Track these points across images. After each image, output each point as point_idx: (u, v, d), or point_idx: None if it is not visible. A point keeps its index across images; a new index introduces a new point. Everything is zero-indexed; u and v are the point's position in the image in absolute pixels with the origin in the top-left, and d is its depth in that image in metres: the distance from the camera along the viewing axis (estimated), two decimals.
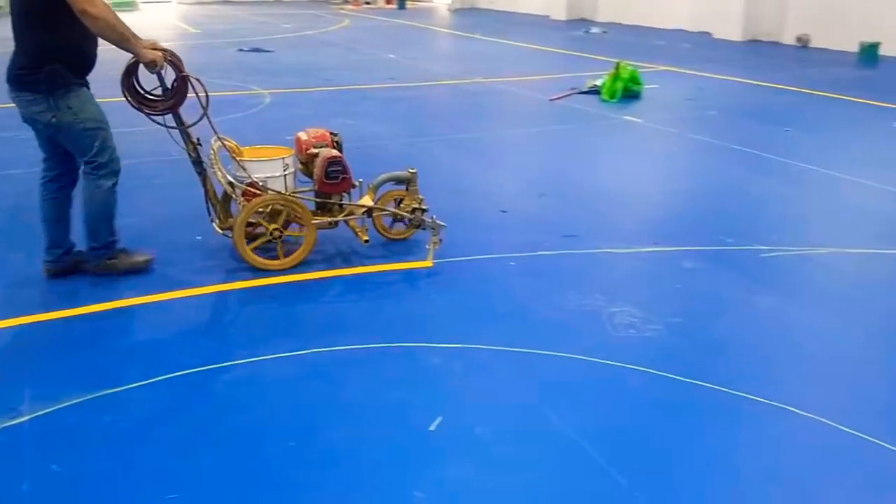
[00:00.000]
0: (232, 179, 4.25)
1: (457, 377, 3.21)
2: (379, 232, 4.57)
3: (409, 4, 24.09)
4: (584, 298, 3.92)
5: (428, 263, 4.29)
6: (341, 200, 4.41)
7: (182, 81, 4.00)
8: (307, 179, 4.55)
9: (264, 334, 3.57)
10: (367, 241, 4.33)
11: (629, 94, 9.15)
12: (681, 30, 16.51)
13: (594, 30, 17.15)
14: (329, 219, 4.34)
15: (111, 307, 3.81)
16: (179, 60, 4.02)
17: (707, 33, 15.77)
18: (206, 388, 3.14)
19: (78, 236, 4.16)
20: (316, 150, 4.36)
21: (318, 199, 4.34)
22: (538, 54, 13.65)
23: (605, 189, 5.78)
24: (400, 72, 11.14)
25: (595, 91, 9.32)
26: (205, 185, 4.25)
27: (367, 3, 24.87)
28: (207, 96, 4.01)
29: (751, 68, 11.60)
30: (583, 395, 3.08)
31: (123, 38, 3.71)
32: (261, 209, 4.14)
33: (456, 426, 2.85)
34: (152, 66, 3.85)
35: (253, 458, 2.68)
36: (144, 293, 3.92)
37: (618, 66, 9.20)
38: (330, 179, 4.25)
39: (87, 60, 3.87)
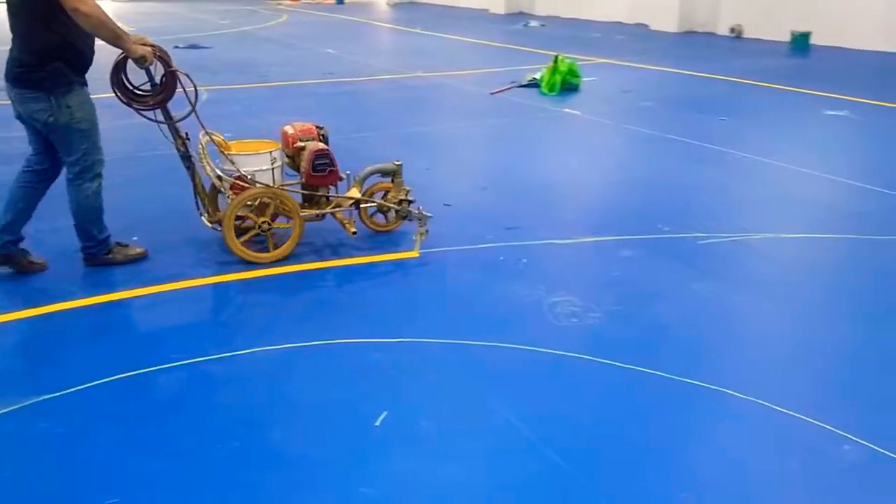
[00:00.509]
0: (220, 173, 4.28)
1: (401, 371, 3.21)
2: (365, 224, 4.61)
3: None
4: (527, 289, 3.96)
5: (415, 254, 4.36)
6: (328, 193, 4.45)
7: (171, 77, 4.05)
8: (293, 173, 4.57)
9: (211, 332, 3.52)
10: (354, 232, 4.41)
11: (568, 86, 9.25)
12: (618, 22, 16.77)
13: (533, 23, 17.28)
14: (317, 211, 4.39)
15: (62, 307, 3.72)
16: (168, 56, 4.06)
17: (644, 25, 16.05)
18: (147, 390, 3.07)
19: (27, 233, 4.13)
20: (303, 144, 4.43)
21: (305, 192, 4.38)
22: (478, 48, 13.70)
23: (546, 181, 5.83)
24: (339, 67, 11.05)
25: (535, 84, 9.40)
26: (193, 180, 4.29)
27: None
28: (196, 91, 4.07)
29: (686, 59, 11.85)
30: (527, 385, 3.11)
31: (115, 35, 3.78)
32: (249, 202, 4.18)
33: (401, 420, 2.85)
34: (142, 62, 3.91)
35: (196, 459, 2.64)
36: (97, 293, 3.85)
37: (556, 60, 9.30)
38: (317, 172, 4.31)
39: (85, 58, 3.93)
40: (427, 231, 4.44)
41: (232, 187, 4.24)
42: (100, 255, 4.18)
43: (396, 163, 4.57)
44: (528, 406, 2.95)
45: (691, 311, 3.76)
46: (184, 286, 3.98)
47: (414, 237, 4.45)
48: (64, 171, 4.06)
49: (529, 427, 2.80)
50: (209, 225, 4.37)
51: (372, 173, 4.56)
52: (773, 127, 7.64)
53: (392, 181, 4.59)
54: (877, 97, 8.75)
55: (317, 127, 4.61)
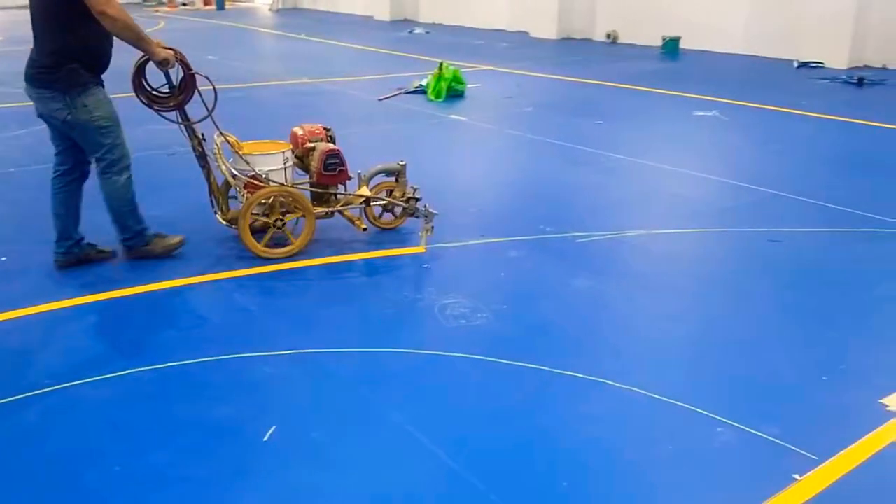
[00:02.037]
0: (236, 172, 4.37)
1: (290, 384, 3.17)
2: (370, 221, 4.74)
3: (228, 5, 23.38)
4: (418, 293, 4.01)
5: (421, 249, 4.49)
6: (337, 191, 4.62)
7: (190, 79, 4.18)
8: (300, 172, 4.74)
9: (91, 354, 3.37)
10: (365, 228, 4.58)
11: (453, 93, 9.39)
12: (500, 30, 17.13)
13: (418, 30, 17.44)
14: (327, 209, 4.53)
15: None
16: (187, 59, 4.16)
17: (524, 32, 16.46)
18: (17, 416, 2.91)
19: (86, 228, 4.26)
20: (312, 144, 4.62)
21: (316, 190, 4.53)
22: (364, 54, 13.70)
23: (434, 186, 5.87)
24: (221, 73, 10.71)
25: (421, 91, 9.49)
26: (208, 179, 4.44)
27: (185, 5, 23.88)
28: (216, 92, 4.23)
29: (565, 65, 12.24)
30: (418, 388, 3.14)
31: (139, 38, 3.91)
32: (263, 200, 4.29)
33: (291, 433, 2.82)
34: (165, 64, 4.05)
35: (74, 487, 2.53)
36: None
37: (441, 66, 9.42)
38: (328, 171, 4.50)
39: (103, 60, 4.03)
40: (433, 227, 4.55)
41: (246, 186, 4.36)
42: (138, 247, 4.27)
43: (401, 162, 4.74)
44: (419, 409, 2.98)
45: (572, 307, 3.90)
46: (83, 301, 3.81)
47: (420, 233, 4.57)
48: (93, 167, 4.16)
49: (421, 430, 2.83)
50: (223, 223, 4.50)
51: (377, 173, 4.73)
52: (646, 128, 8.01)
53: (396, 180, 4.75)
54: (741, 98, 9.32)
55: (324, 128, 4.81)
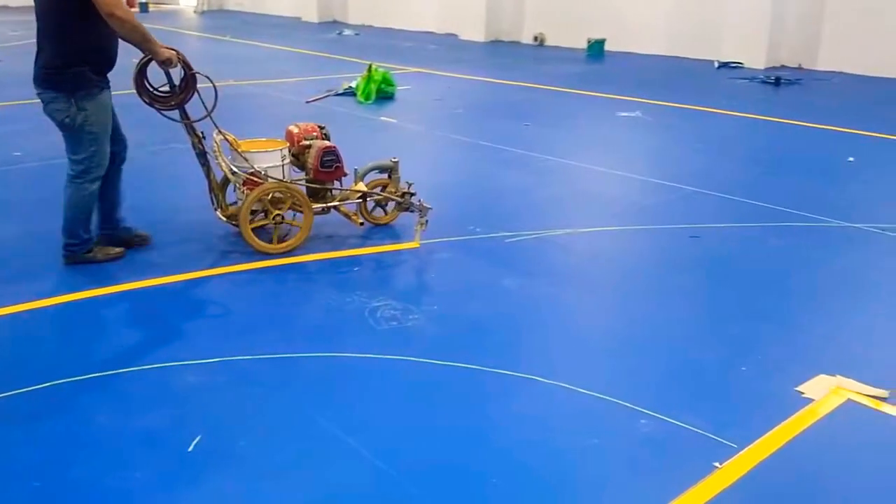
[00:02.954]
0: (236, 169, 4.44)
1: (216, 392, 3.12)
2: (364, 217, 4.83)
3: (152, 7, 22.82)
4: (347, 297, 3.98)
5: (416, 244, 4.58)
6: (332, 188, 4.71)
7: (191, 79, 4.26)
8: (296, 170, 4.82)
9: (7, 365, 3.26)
10: (361, 223, 4.74)
11: (383, 95, 9.38)
12: (429, 32, 17.19)
13: (347, 32, 17.36)
14: (323, 205, 4.62)
15: None
16: (187, 59, 4.23)
17: (453, 35, 16.56)
18: None
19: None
20: (308, 142, 4.71)
21: (313, 186, 4.63)
22: (292, 56, 13.56)
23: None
24: None
25: (350, 93, 9.45)
26: (208, 177, 4.53)
27: None
28: (216, 92, 4.33)
29: (493, 67, 12.36)
30: (349, 393, 3.13)
31: (145, 39, 3.98)
32: (263, 197, 4.36)
33: (217, 442, 2.77)
34: (168, 64, 4.11)
35: None
36: None
37: (370, 69, 9.40)
38: (325, 168, 4.58)
39: (110, 61, 4.11)
40: (427, 222, 4.62)
41: (245, 183, 4.42)
42: (80, 254, 4.27)
43: (394, 160, 4.87)
44: (349, 414, 2.96)
45: (502, 306, 3.95)
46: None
47: (415, 227, 4.65)
48: (67, 167, 4.16)
49: (351, 434, 2.82)
50: (223, 219, 4.56)
51: (371, 170, 4.86)
52: (572, 130, 8.16)
53: (389, 177, 4.87)
54: (663, 98, 9.58)
55: (319, 127, 4.89)
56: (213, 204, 4.62)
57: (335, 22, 19.31)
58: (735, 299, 4.04)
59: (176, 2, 24.77)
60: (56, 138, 4.23)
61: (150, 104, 4.31)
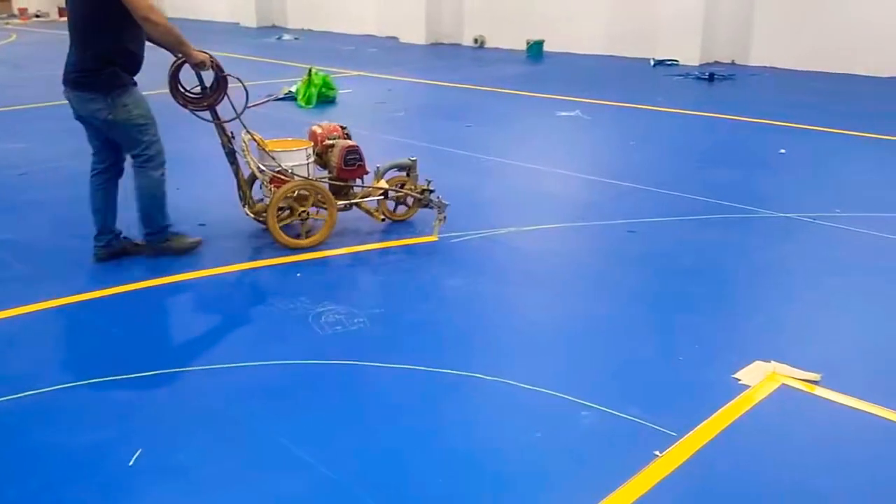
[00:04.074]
0: (263, 167, 4.61)
1: (156, 405, 3.06)
2: (385, 214, 5.00)
3: None
4: (290, 303, 3.95)
5: (434, 238, 4.73)
6: (354, 185, 4.87)
7: (223, 81, 4.44)
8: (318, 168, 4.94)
9: None
10: (383, 219, 4.93)
11: (324, 99, 9.33)
12: (370, 35, 17.16)
13: (286, 37, 17.21)
14: (346, 202, 4.76)
15: None
16: (219, 62, 4.39)
17: (394, 38, 16.55)
18: None
19: (124, 224, 4.44)
20: (331, 142, 4.86)
21: (337, 184, 4.78)
22: (230, 62, 13.22)
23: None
24: None
25: (291, 97, 9.37)
26: (236, 175, 4.67)
27: (38, 17, 22.58)
28: (247, 93, 4.47)
29: (434, 69, 12.40)
30: (291, 400, 3.10)
31: (179, 42, 4.14)
32: (289, 194, 4.48)
33: (158, 456, 2.72)
34: (201, 67, 4.26)
35: None
36: None
37: (310, 73, 9.34)
38: (348, 166, 4.74)
39: (138, 62, 4.21)
40: (445, 217, 4.77)
41: (272, 180, 4.57)
42: (160, 242, 4.42)
43: (412, 158, 5.04)
44: (293, 422, 2.94)
45: (447, 306, 3.96)
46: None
47: (433, 223, 4.77)
48: (131, 161, 4.30)
49: (296, 442, 2.79)
50: (250, 215, 4.73)
51: (391, 167, 5.00)
52: (513, 130, 8.23)
53: (407, 175, 5.02)
54: (602, 97, 9.74)
55: (341, 127, 5.05)
56: (241, 201, 4.76)
57: (274, 27, 19.13)
58: (673, 291, 4.13)
59: None
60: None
61: (183, 105, 4.48)
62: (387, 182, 4.96)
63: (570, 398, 3.07)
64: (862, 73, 11.38)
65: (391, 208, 5.09)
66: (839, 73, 11.52)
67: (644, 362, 3.40)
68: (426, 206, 4.93)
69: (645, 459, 2.70)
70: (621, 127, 8.36)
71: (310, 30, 18.54)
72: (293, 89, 9.43)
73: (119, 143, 4.26)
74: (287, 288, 4.16)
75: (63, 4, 21.69)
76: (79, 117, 4.22)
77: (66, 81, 4.16)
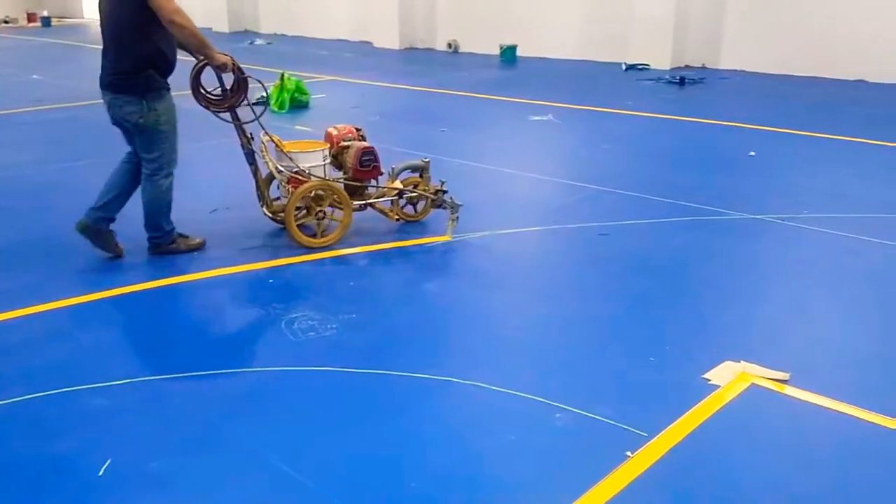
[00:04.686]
0: (281, 168, 4.71)
1: (126, 414, 3.03)
2: (399, 214, 5.09)
3: (55, 22, 22.02)
4: (262, 309, 3.94)
5: (447, 237, 4.81)
6: (368, 185, 4.98)
7: (244, 82, 4.52)
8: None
9: None
10: (398, 219, 5.03)
11: (297, 104, 9.30)
12: (343, 40, 17.11)
13: (258, 41, 17.12)
14: (361, 202, 4.85)
15: None
16: (239, 64, 4.47)
17: (368, 43, 16.53)
18: None
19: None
20: (347, 143, 4.96)
21: (352, 184, 4.87)
22: None
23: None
24: (48, 93, 10.16)
25: (263, 102, 9.31)
26: (255, 176, 4.76)
27: (6, 23, 22.26)
28: (267, 95, 4.76)
29: (409, 74, 12.40)
30: (266, 407, 3.09)
31: (202, 44, 4.26)
32: (307, 194, 4.59)
33: (129, 465, 2.70)
34: (223, 69, 4.37)
35: None
36: None
37: (282, 77, 9.31)
38: (363, 167, 4.85)
39: (172, 65, 4.34)
40: (458, 218, 4.85)
41: (289, 181, 4.67)
42: (165, 244, 4.53)
43: (425, 160, 5.18)
44: (268, 429, 2.92)
45: (422, 310, 3.97)
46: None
47: (447, 223, 4.87)
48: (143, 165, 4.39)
49: (271, 449, 2.78)
50: (268, 215, 4.81)
51: (405, 168, 5.13)
52: (487, 134, 8.25)
53: (420, 176, 5.13)
54: (574, 101, 9.80)
55: (356, 129, 5.14)
56: (259, 201, 4.83)
57: (246, 31, 19.02)
58: (644, 292, 4.16)
59: (80, 15, 23.99)
60: None
61: (205, 106, 4.56)
62: (401, 183, 5.06)
63: (544, 400, 3.09)
64: (830, 77, 11.55)
65: (403, 207, 5.17)
66: (808, 77, 11.69)
67: (616, 363, 3.43)
68: (439, 206, 5.03)
69: (617, 460, 2.72)
70: (593, 131, 8.42)
71: (283, 34, 18.46)
72: (265, 94, 9.36)
73: (139, 145, 4.37)
74: (259, 294, 4.15)
75: (30, 10, 21.46)
76: (114, 120, 4.34)
77: (102, 84, 4.28)
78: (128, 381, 3.24)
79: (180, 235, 4.61)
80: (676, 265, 4.56)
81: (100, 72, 4.28)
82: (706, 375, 3.29)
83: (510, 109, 9.61)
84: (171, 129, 4.36)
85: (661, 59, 12.69)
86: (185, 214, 5.27)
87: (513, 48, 14.32)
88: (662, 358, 3.46)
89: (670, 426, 2.93)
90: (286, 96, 9.19)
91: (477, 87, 11.05)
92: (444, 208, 4.98)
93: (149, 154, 4.35)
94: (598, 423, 2.94)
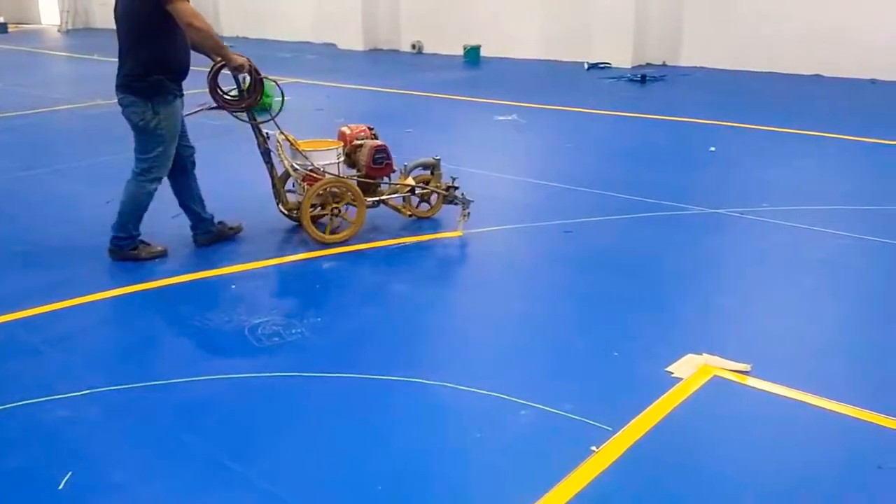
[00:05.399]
0: (297, 166, 4.81)
1: (88, 426, 2.98)
2: (411, 210, 5.20)
3: (12, 28, 21.63)
4: (225, 316, 3.90)
5: (458, 233, 4.88)
6: (381, 182, 5.08)
7: (259, 83, 4.62)
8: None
9: None
10: (410, 215, 5.15)
11: (261, 106, 9.20)
12: (307, 42, 17.02)
13: None
14: (374, 199, 4.95)
15: None
16: (256, 66, 4.56)
17: (332, 45, 16.46)
18: None
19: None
20: (360, 142, 5.06)
21: (366, 181, 4.96)
22: None
23: (244, 203, 5.76)
24: (5, 100, 10.00)
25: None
26: (271, 174, 4.87)
27: None
28: (283, 95, 4.80)
29: (373, 75, 12.38)
30: (227, 415, 3.06)
31: (219, 46, 4.34)
32: (321, 191, 4.65)
33: (90, 478, 2.66)
34: (240, 70, 4.46)
35: None
36: None
37: (243, 80, 9.21)
38: (377, 164, 4.96)
39: (185, 71, 4.41)
40: (469, 213, 4.94)
41: (304, 178, 4.76)
42: (126, 250, 4.51)
43: (436, 157, 5.26)
44: (230, 437, 2.90)
45: (388, 312, 3.96)
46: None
47: (458, 219, 4.95)
48: (133, 165, 4.47)
49: (233, 458, 2.76)
50: (284, 212, 4.95)
51: (417, 166, 5.22)
52: (452, 135, 8.26)
53: (432, 173, 5.23)
54: (538, 101, 9.85)
55: (369, 128, 5.22)
56: (275, 199, 4.93)
57: None
58: (607, 288, 4.20)
59: (38, 21, 23.59)
60: None
61: (221, 107, 4.67)
62: (413, 180, 5.14)
63: (509, 398, 3.10)
64: (788, 72, 11.76)
65: (415, 204, 5.26)
66: (766, 72, 11.89)
67: (581, 359, 3.46)
68: (451, 202, 5.12)
69: (582, 455, 2.74)
70: (557, 130, 8.47)
71: (245, 37, 18.29)
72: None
73: (136, 142, 4.43)
74: (222, 300, 4.11)
75: None
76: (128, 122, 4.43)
77: (117, 86, 4.38)
78: (88, 391, 3.19)
79: (142, 242, 4.58)
80: (638, 260, 4.60)
81: (116, 73, 4.39)
82: (669, 369, 3.33)
83: (475, 110, 9.64)
84: (169, 136, 4.39)
85: (622, 58, 12.81)
86: (145, 219, 5.23)
87: (476, 49, 14.36)
88: (625, 352, 3.49)
89: (634, 420, 2.96)
90: None
91: (442, 87, 11.07)
92: (456, 204, 5.08)
93: (142, 154, 4.41)
94: (564, 419, 2.96)
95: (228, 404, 3.14)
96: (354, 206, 4.85)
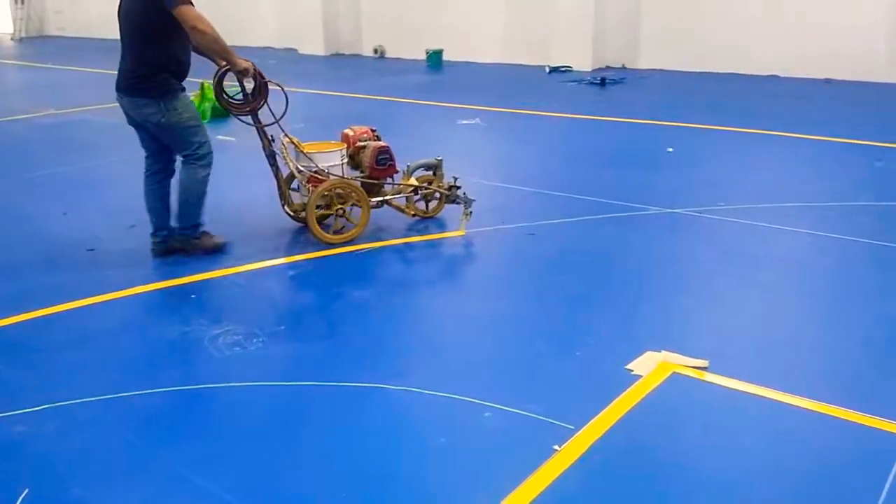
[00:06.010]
0: (302, 168, 4.88)
1: (43, 442, 2.92)
2: (413, 210, 5.28)
3: None
4: (186, 326, 3.85)
5: (461, 233, 4.94)
6: (384, 183, 5.15)
7: (264, 87, 4.66)
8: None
9: None
10: (414, 214, 5.23)
11: (219, 113, 9.12)
12: (268, 47, 16.91)
13: None
14: (380, 198, 5.02)
15: None
16: (260, 70, 4.60)
17: (293, 49, 16.38)
18: None
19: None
20: (363, 144, 5.13)
21: (370, 182, 5.03)
22: None
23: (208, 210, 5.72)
24: None
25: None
26: (276, 176, 4.91)
27: None
28: (287, 99, 4.76)
29: (335, 80, 12.34)
30: (188, 426, 3.02)
31: (224, 50, 4.36)
32: (326, 193, 4.70)
33: (48, 494, 2.61)
34: (245, 74, 4.48)
35: None
36: None
37: (203, 87, 9.14)
38: (380, 165, 5.02)
39: (186, 69, 4.47)
40: (471, 213, 5.02)
41: (309, 180, 4.83)
42: (191, 238, 4.63)
43: (438, 158, 5.35)
44: (191, 448, 2.86)
45: (353, 318, 3.95)
46: None
47: (460, 218, 5.04)
48: (179, 161, 4.55)
49: (194, 470, 2.72)
50: (290, 213, 5.02)
51: (419, 167, 5.29)
52: (416, 139, 8.23)
53: (434, 174, 5.31)
54: (500, 104, 9.91)
55: (371, 129, 5.30)
56: (280, 200, 5.00)
57: None
58: (569, 288, 4.24)
59: None
60: None
61: (226, 109, 4.75)
62: (416, 180, 5.20)
63: (473, 400, 3.11)
64: (745, 73, 11.97)
65: (417, 202, 5.34)
66: (724, 73, 12.09)
67: (543, 360, 3.48)
68: (453, 201, 5.20)
69: (545, 454, 2.76)
70: (519, 133, 8.52)
71: None
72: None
73: (171, 145, 4.51)
74: (185, 309, 4.06)
75: None
76: (132, 122, 4.47)
77: (119, 88, 4.40)
78: (46, 406, 3.13)
79: (205, 233, 4.69)
80: (599, 261, 4.65)
81: (116, 75, 4.40)
82: (629, 366, 3.37)
83: (438, 113, 9.66)
84: (197, 123, 4.48)
85: (582, 61, 12.94)
86: (99, 232, 5.16)
87: (439, 53, 14.39)
88: (587, 351, 3.53)
89: (596, 418, 2.99)
90: (207, 106, 9.01)
91: (405, 91, 11.07)
92: (458, 203, 5.14)
93: (186, 149, 4.48)
94: (527, 419, 2.98)
95: (189, 415, 3.11)
96: (359, 206, 4.89)
